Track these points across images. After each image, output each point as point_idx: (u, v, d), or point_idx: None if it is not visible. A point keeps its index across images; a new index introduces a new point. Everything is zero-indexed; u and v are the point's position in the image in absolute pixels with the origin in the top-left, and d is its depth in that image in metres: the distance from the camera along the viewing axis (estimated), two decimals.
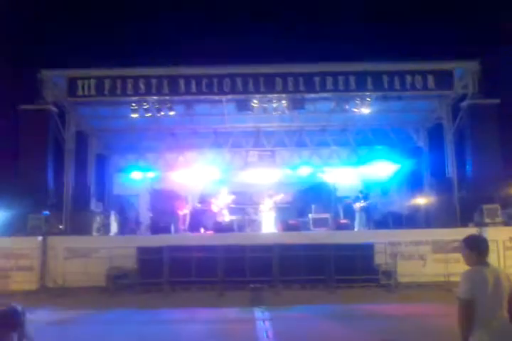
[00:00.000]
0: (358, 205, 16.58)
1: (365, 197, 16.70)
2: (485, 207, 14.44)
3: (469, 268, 4.09)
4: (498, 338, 3.89)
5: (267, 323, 9.10)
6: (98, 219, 15.71)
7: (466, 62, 16.48)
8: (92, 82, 16.13)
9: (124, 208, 17.68)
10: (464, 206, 15.65)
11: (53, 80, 16.39)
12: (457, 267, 12.21)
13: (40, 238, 13.47)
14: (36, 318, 9.01)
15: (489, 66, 16.63)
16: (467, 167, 16.22)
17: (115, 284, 12.50)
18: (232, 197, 16.59)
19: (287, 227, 15.40)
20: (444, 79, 16.23)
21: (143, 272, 12.63)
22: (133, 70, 16.35)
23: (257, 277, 12.16)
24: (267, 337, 7.98)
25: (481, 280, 3.94)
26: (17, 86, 19.33)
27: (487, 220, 14.22)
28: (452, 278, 12.07)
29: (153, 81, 16.11)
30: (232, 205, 16.49)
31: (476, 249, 4.11)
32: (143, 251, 12.91)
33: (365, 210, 16.51)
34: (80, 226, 14.93)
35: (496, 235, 13.06)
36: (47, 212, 14.48)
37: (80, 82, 16.14)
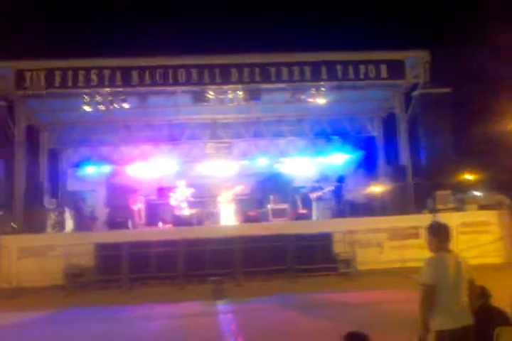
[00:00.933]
0: (314, 195, 16.75)
1: (321, 187, 16.88)
2: (437, 193, 14.90)
3: (432, 255, 4.21)
4: (459, 322, 4.03)
5: (230, 316, 9.11)
6: (52, 216, 15.26)
7: (417, 51, 16.79)
8: (42, 73, 15.60)
9: (79, 204, 17.23)
10: (418, 193, 16.05)
11: (0, 72, 15.73)
12: (413, 253, 12.63)
13: None
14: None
15: (439, 55, 17.02)
16: (420, 154, 16.64)
17: (73, 282, 12.23)
18: (191, 190, 16.47)
19: (247, 219, 15.43)
20: (396, 69, 16.59)
21: (101, 269, 12.43)
22: (84, 61, 15.92)
23: (218, 270, 12.13)
24: (231, 330, 7.99)
25: (443, 266, 4.07)
26: None
27: (440, 206, 14.67)
28: (408, 264, 12.39)
29: (106, 72, 15.77)
30: (191, 198, 16.36)
31: (438, 235, 4.24)
32: (101, 248, 12.69)
33: (321, 199, 16.70)
34: (33, 224, 14.48)
35: (449, 221, 13.23)
36: None
37: (28, 74, 15.59)
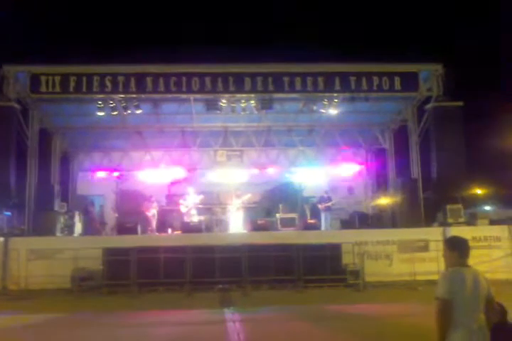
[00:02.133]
0: (323, 206, 16.70)
1: (330, 198, 16.85)
2: (448, 207, 14.78)
3: (449, 269, 4.13)
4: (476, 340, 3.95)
5: (237, 324, 9.05)
6: (62, 219, 15.33)
7: (431, 64, 16.81)
8: (57, 78, 15.76)
9: (88, 208, 17.29)
10: (428, 206, 15.96)
11: (15, 76, 15.90)
12: (422, 266, 12.53)
13: (1, 239, 13.06)
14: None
15: (454, 69, 17.01)
16: (431, 168, 16.54)
17: (80, 286, 12.23)
18: (201, 197, 16.47)
19: (256, 227, 15.38)
20: (410, 81, 16.55)
21: (109, 273, 12.40)
22: (99, 67, 16.03)
23: (226, 277, 12.10)
24: (238, 338, 7.92)
25: (460, 281, 3.94)
26: None
27: (450, 220, 14.56)
28: (418, 277, 12.29)
29: (120, 78, 15.85)
30: (200, 205, 16.36)
31: (457, 250, 4.13)
32: (109, 252, 12.67)
33: (329, 210, 16.66)
34: (43, 227, 14.51)
35: (460, 234, 13.32)
36: (9, 213, 14.06)
37: (43, 78, 15.75)
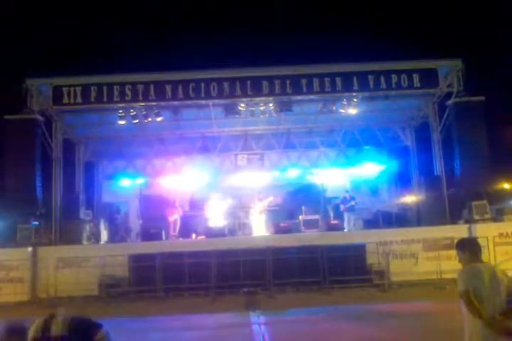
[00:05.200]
0: (344, 206, 16.61)
1: (352, 198, 16.76)
2: (474, 203, 14.57)
3: (465, 266, 4.18)
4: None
5: (263, 327, 9.08)
6: (88, 227, 15.60)
7: (450, 60, 16.61)
8: (78, 89, 16.05)
9: (113, 215, 17.55)
10: (453, 203, 15.75)
11: (38, 89, 16.27)
12: (449, 264, 12.36)
13: (30, 249, 13.35)
14: None
15: (473, 64, 16.80)
16: (455, 164, 16.32)
17: (108, 293, 12.41)
18: (229, 201, 16.60)
19: (279, 230, 15.40)
20: (429, 78, 16.36)
21: (135, 279, 12.58)
22: (119, 77, 16.28)
23: (251, 281, 12.14)
24: None
25: (477, 273, 4.03)
26: (1, 96, 19.17)
27: (476, 217, 14.35)
28: (444, 276, 12.14)
29: (140, 87, 16.06)
30: (225, 210, 16.46)
31: (468, 250, 4.23)
32: (135, 259, 12.85)
33: (352, 210, 16.57)
34: (69, 236, 14.81)
35: (486, 231, 13.18)
36: (36, 223, 14.36)
37: (65, 90, 16.05)
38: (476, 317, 3.91)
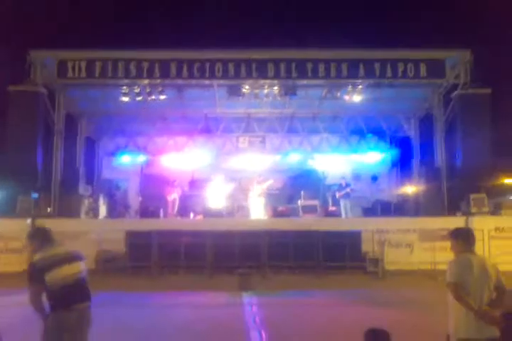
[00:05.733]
0: (341, 193, 16.64)
1: (348, 184, 16.77)
2: (472, 196, 14.59)
3: (456, 256, 4.26)
4: (484, 333, 4.02)
5: (255, 308, 9.18)
6: (86, 202, 15.65)
7: (458, 51, 16.47)
8: (83, 63, 15.98)
9: (112, 192, 17.59)
10: (452, 195, 15.80)
11: (43, 61, 16.17)
12: (444, 256, 12.26)
13: (29, 220, 13.40)
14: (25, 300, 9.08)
15: (481, 56, 16.65)
16: (456, 156, 16.32)
17: (104, 267, 12.50)
18: (229, 183, 16.64)
19: (277, 214, 15.47)
20: (436, 68, 16.28)
21: (132, 255, 12.66)
22: (124, 53, 16.17)
23: (246, 262, 12.22)
24: (255, 322, 8.05)
25: (467, 265, 4.12)
26: (5, 66, 19.03)
27: (474, 209, 14.38)
28: (439, 267, 12.17)
29: (145, 64, 15.98)
30: (226, 192, 16.49)
31: (461, 238, 4.33)
32: (132, 235, 12.92)
33: (347, 197, 16.59)
34: (68, 209, 14.87)
35: (482, 224, 13.22)
36: (36, 195, 14.40)
37: (70, 64, 15.98)
38: (466, 308, 3.98)
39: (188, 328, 7.78)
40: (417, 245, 13.52)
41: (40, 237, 4.59)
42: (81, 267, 4.58)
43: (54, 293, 4.31)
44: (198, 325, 7.99)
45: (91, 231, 13.25)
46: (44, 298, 4.37)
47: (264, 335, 7.21)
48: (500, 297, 4.13)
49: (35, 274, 4.31)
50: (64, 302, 4.34)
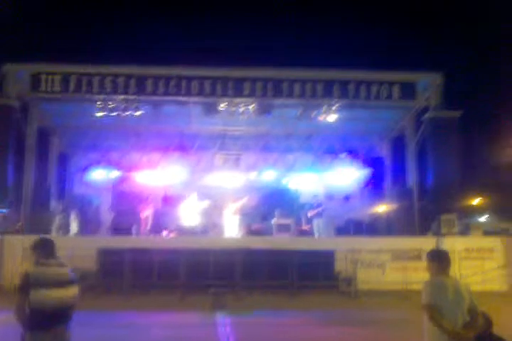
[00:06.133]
0: (313, 212, 16.68)
1: (319, 204, 16.82)
2: (442, 217, 14.84)
3: (431, 278, 4.37)
4: None
5: (228, 328, 9.10)
6: (58, 219, 15.35)
7: (429, 74, 16.90)
8: (57, 77, 15.82)
9: (84, 208, 17.30)
10: (423, 215, 16.05)
11: (16, 74, 15.96)
12: (415, 276, 12.56)
13: None
14: None
15: (452, 79, 17.13)
16: (427, 177, 16.62)
17: None
18: (204, 201, 16.56)
19: (250, 232, 15.44)
20: (408, 90, 16.66)
21: (103, 274, 12.43)
22: (99, 68, 16.09)
23: (219, 281, 12.13)
24: None
25: (442, 287, 4.23)
26: None
27: (444, 230, 14.60)
28: (410, 287, 12.33)
29: (121, 79, 15.92)
30: (200, 210, 16.40)
31: (437, 260, 4.43)
32: (104, 253, 12.71)
33: (319, 217, 16.65)
34: (38, 226, 14.53)
35: (453, 245, 13.43)
36: (5, 210, 14.07)
37: (43, 77, 15.82)
38: (440, 329, 4.06)
39: None
40: (389, 265, 13.64)
41: (43, 249, 4.49)
42: (71, 292, 4.43)
43: (34, 312, 4.21)
44: None
45: (62, 248, 12.89)
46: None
47: None
48: (474, 319, 4.22)
49: (25, 286, 4.23)
50: (41, 324, 4.23)
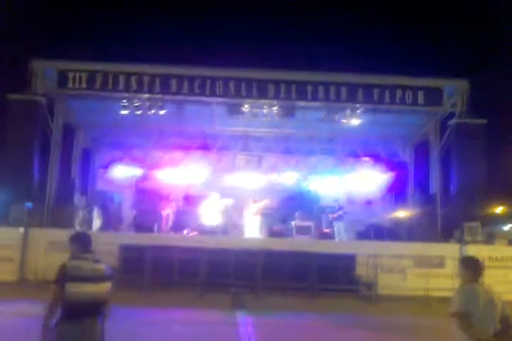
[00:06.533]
0: (334, 215, 16.62)
1: (340, 207, 16.76)
2: (466, 224, 14.64)
3: (463, 285, 4.28)
4: None
5: (247, 328, 9.09)
6: (81, 213, 15.50)
7: (456, 80, 16.75)
8: (84, 75, 15.96)
9: (106, 204, 17.45)
10: (446, 222, 15.85)
11: (44, 71, 16.16)
12: (437, 282, 12.45)
13: (21, 229, 13.25)
14: (19, 310, 8.94)
15: (479, 86, 16.95)
16: (451, 184, 16.43)
17: None
18: (225, 200, 16.58)
19: (272, 233, 15.43)
20: (434, 96, 16.46)
21: (125, 270, 12.48)
22: (125, 66, 16.20)
23: (239, 281, 12.13)
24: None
25: (474, 296, 4.12)
26: (6, 75, 19.03)
27: (467, 238, 14.41)
28: (431, 293, 12.19)
29: (146, 78, 16.02)
30: (221, 209, 16.42)
31: (471, 268, 4.34)
32: (126, 249, 12.80)
33: (340, 220, 16.58)
34: (62, 220, 14.68)
35: (476, 253, 13.19)
36: (30, 204, 14.25)
37: (71, 75, 15.96)
38: (470, 337, 3.99)
39: None
40: (410, 271, 13.49)
41: (79, 243, 4.53)
42: (105, 288, 4.49)
43: (66, 305, 4.24)
44: None
45: None
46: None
47: None
48: (506, 328, 4.14)
49: (61, 278, 4.27)
50: (71, 316, 4.26)
